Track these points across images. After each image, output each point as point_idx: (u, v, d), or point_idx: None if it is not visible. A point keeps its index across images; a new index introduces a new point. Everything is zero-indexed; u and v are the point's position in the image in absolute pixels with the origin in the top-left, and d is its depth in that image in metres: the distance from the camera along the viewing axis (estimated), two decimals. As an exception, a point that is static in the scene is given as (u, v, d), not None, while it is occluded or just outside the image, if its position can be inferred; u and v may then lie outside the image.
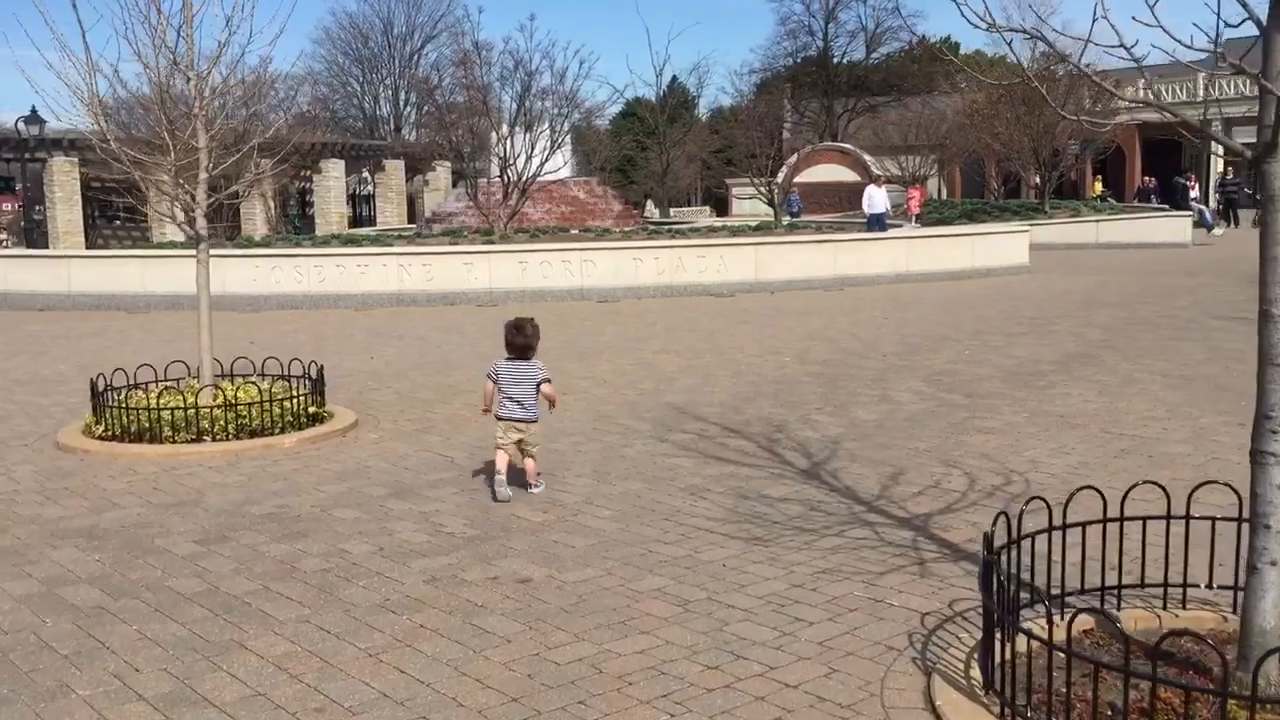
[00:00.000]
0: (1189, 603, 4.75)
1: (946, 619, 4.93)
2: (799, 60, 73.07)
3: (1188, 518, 4.73)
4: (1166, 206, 33.93)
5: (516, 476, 7.32)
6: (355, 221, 60.07)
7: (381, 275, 19.56)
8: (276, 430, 8.84)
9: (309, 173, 54.77)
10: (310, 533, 6.46)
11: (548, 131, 22.97)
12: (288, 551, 6.12)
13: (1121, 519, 4.72)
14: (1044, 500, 4.67)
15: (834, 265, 20.75)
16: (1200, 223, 30.96)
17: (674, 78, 63.41)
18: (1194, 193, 41.92)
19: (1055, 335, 13.34)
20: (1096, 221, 29.35)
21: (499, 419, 7.20)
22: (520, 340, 7.28)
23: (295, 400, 9.08)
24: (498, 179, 22.83)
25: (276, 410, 8.92)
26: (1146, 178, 51.23)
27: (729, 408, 9.80)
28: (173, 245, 22.13)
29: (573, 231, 22.34)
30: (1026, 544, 4.60)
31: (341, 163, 53.30)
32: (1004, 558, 4.36)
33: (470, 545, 6.18)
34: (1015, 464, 7.58)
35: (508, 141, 22.45)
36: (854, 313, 16.45)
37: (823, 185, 51.02)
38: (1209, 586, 4.77)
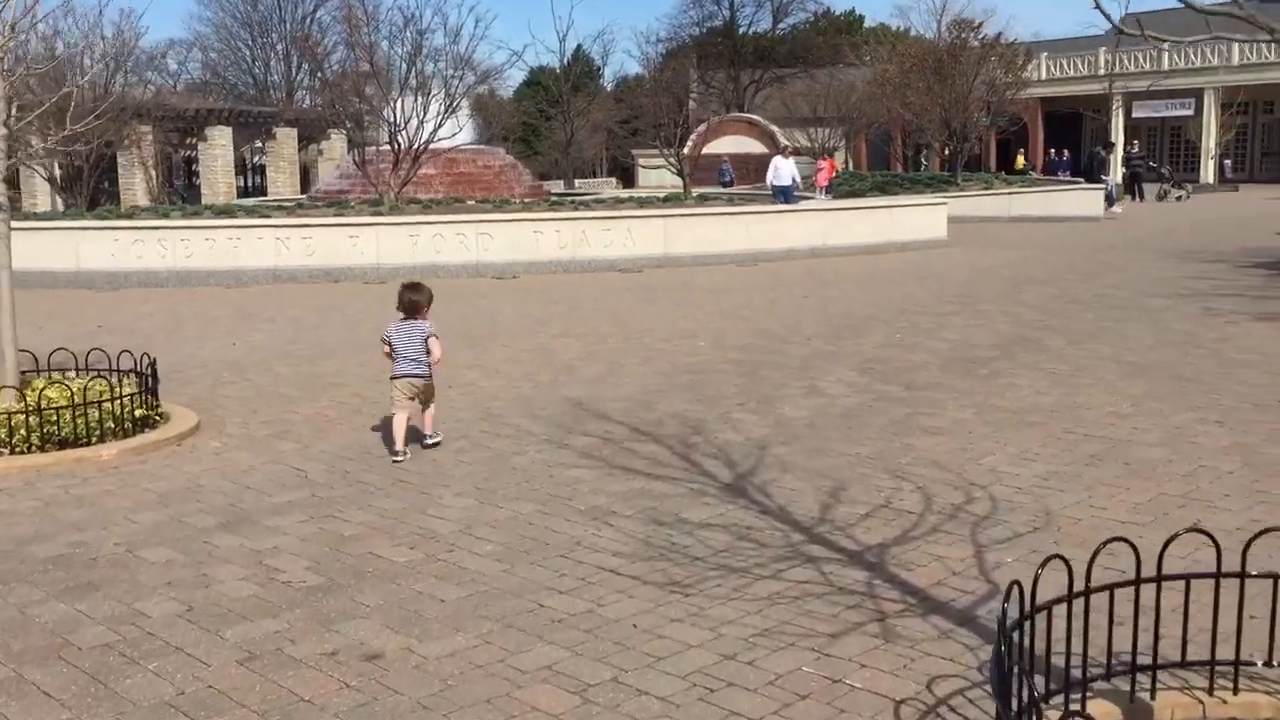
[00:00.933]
0: (1241, 683, 3.64)
1: (928, 710, 3.74)
2: (705, 30, 71.98)
3: (1243, 575, 3.61)
4: (1080, 180, 33.57)
5: (416, 435, 5.98)
6: (246, 192, 57.38)
7: (256, 249, 17.84)
8: (94, 439, 7.32)
9: (194, 141, 52.05)
10: (103, 584, 5.04)
11: (441, 95, 21.35)
12: (65, 615, 4.69)
13: (1159, 579, 3.56)
14: (1064, 560, 3.49)
15: (747, 239, 19.62)
16: (1107, 198, 30.61)
17: (578, 45, 61.74)
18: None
19: (988, 316, 12.35)
20: (1010, 194, 28.76)
21: (394, 379, 7.35)
22: (410, 297, 7.56)
23: (119, 401, 7.56)
24: (388, 147, 21.16)
25: (94, 414, 7.39)
26: (1054, 149, 51.36)
27: (638, 403, 8.54)
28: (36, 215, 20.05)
29: (469, 203, 20.84)
30: (1043, 618, 3.42)
31: (228, 130, 50.56)
32: (1015, 641, 3.19)
33: (309, 600, 4.83)
34: (974, 474, 6.46)
35: (397, 105, 20.79)
36: (771, 290, 15.32)
37: (730, 157, 50.05)
38: (1268, 664, 3.67)
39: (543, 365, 10.17)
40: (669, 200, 20.65)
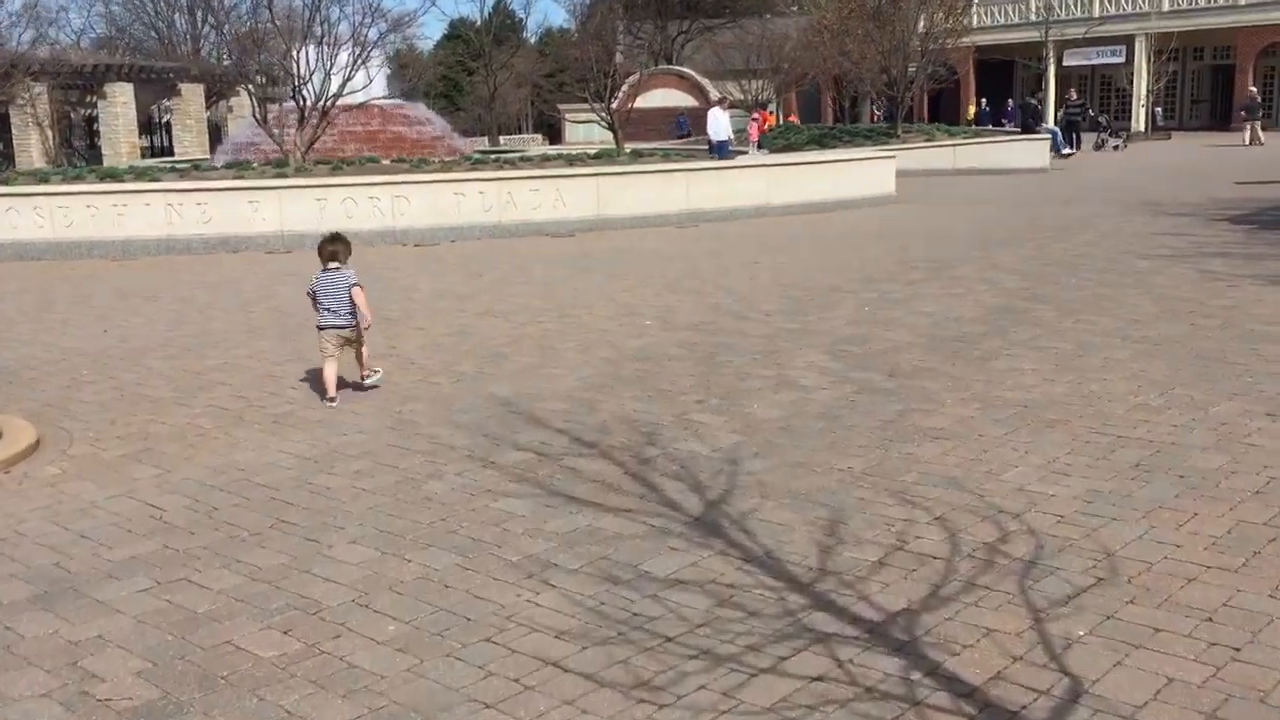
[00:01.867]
0: None
1: None
2: (631, -21, 69.91)
3: None
4: (1017, 130, 32.68)
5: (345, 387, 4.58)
6: (154, 152, 54.50)
7: (145, 217, 16.06)
8: (-110, 471, 5.79)
9: (94, 99, 49.10)
10: None
11: (350, 46, 19.56)
12: None
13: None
14: None
15: (686, 198, 18.24)
16: (1053, 146, 29.73)
17: (499, 2, 59.39)
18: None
19: (964, 283, 11.16)
20: (954, 146, 27.69)
21: (320, 329, 7.37)
22: (329, 248, 7.56)
23: (-74, 422, 6.02)
24: (294, 102, 19.36)
25: (-108, 440, 5.85)
26: (984, 99, 50.55)
27: (579, 402, 7.19)
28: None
29: (384, 162, 19.18)
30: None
31: (129, 87, 47.74)
32: None
33: (130, 736, 3.43)
34: (998, 496, 5.23)
35: (301, 56, 18.97)
36: (717, 256, 13.99)
37: (660, 111, 48.44)
38: None
39: (465, 353, 8.75)
40: (600, 157, 19.19)
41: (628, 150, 21.55)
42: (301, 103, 19.18)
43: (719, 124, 23.64)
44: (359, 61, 19.66)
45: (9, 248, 15.94)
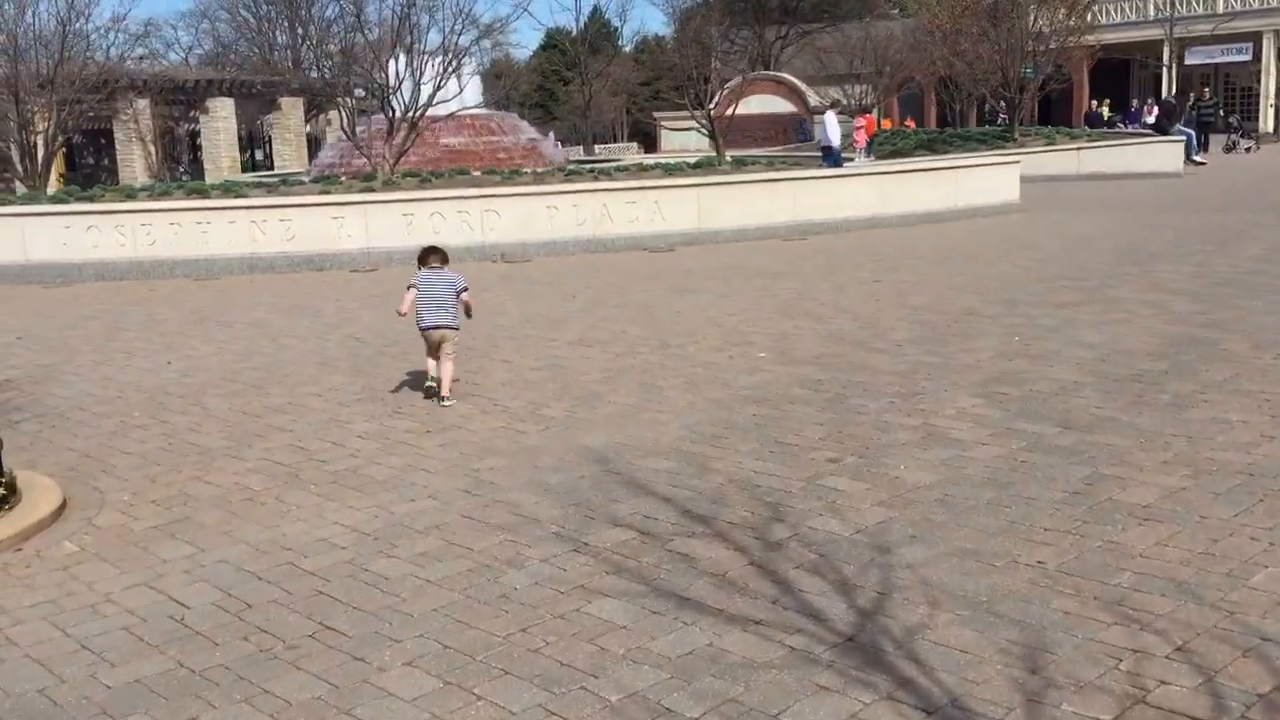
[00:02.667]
0: None
1: None
2: (728, -16, 68.70)
3: None
4: (1147, 130, 30.65)
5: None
6: (254, 166, 55.05)
7: (228, 234, 15.40)
8: (-119, 550, 4.91)
9: (196, 114, 49.64)
10: None
11: (440, 54, 18.77)
12: None
13: None
14: None
15: (793, 209, 17.00)
16: (1186, 150, 27.68)
17: (595, 7, 58.71)
18: (1150, 118, 38.85)
19: (1125, 305, 9.75)
20: (1077, 150, 25.90)
21: (422, 330, 7.36)
22: (432, 255, 7.57)
23: (-74, 489, 5.14)
24: (383, 114, 18.63)
25: (-116, 512, 4.97)
26: (1094, 101, 48.13)
27: (688, 458, 6.05)
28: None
29: (474, 174, 18.32)
30: None
31: (230, 101, 48.09)
32: None
33: None
34: (1254, 612, 3.94)
35: (391, 66, 18.22)
36: (831, 273, 12.74)
37: (759, 117, 47.13)
38: None
39: (555, 392, 7.68)
40: (701, 167, 18.08)
41: (728, 158, 20.39)
42: (390, 114, 18.44)
43: (832, 129, 22.29)
44: (449, 70, 18.86)
45: (90, 268, 15.41)
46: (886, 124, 37.99)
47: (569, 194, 16.08)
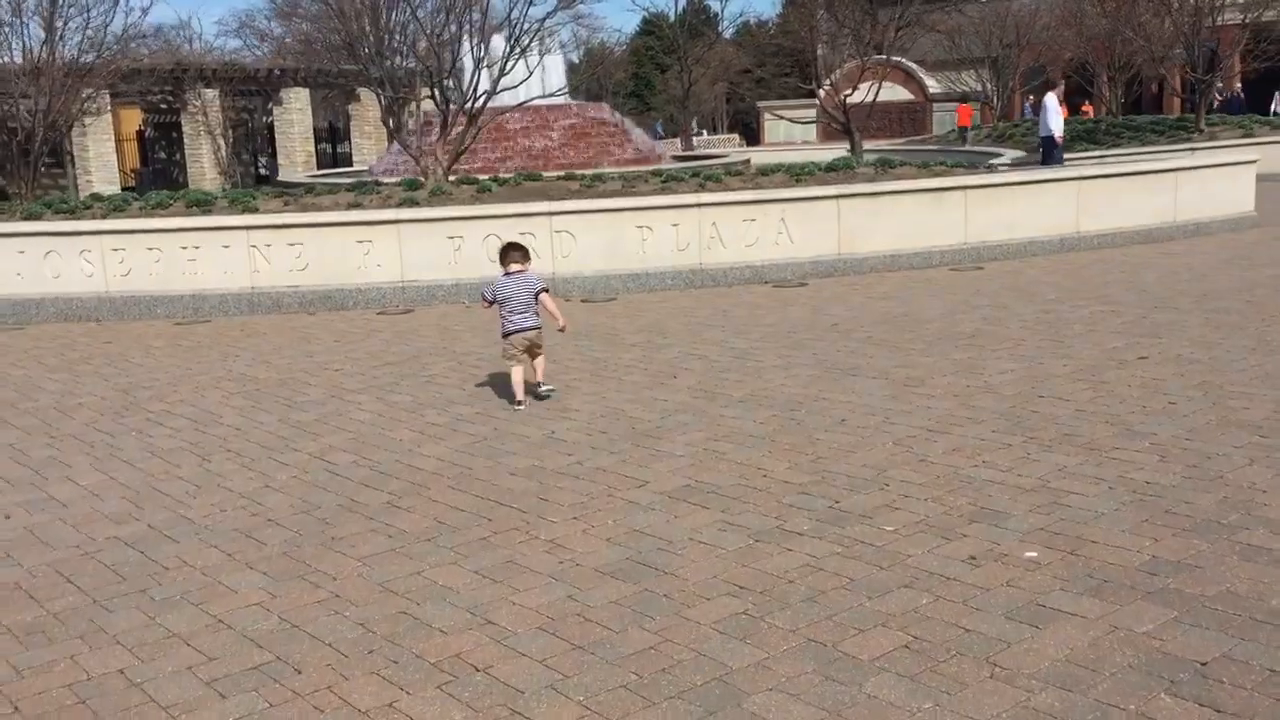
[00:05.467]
0: None
1: None
2: (837, -36, 63.91)
3: None
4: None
5: None
6: (334, 161, 52.25)
7: (222, 262, 11.83)
8: None
9: (271, 105, 46.87)
10: None
11: (509, 28, 14.95)
12: None
13: None
14: None
15: (964, 227, 12.84)
16: None
17: (694, -11, 54.46)
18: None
19: None
20: (1290, 143, 21.12)
21: (506, 335, 7.17)
22: (513, 252, 7.29)
23: None
24: (453, 106, 14.81)
25: None
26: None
27: None
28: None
29: (548, 178, 14.55)
30: None
31: (305, 92, 45.29)
32: None
33: None
34: None
35: (463, 47, 14.43)
36: (1056, 335, 8.58)
37: (875, 106, 42.72)
38: None
39: (639, 605, 3.76)
40: (837, 169, 14.02)
41: (868, 159, 16.24)
42: (443, 105, 14.71)
43: (1054, 116, 17.89)
44: (518, 48, 15.03)
45: (50, 304, 11.99)
46: (966, 114, 33.49)
47: (667, 209, 12.13)
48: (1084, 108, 44.41)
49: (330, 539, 5.06)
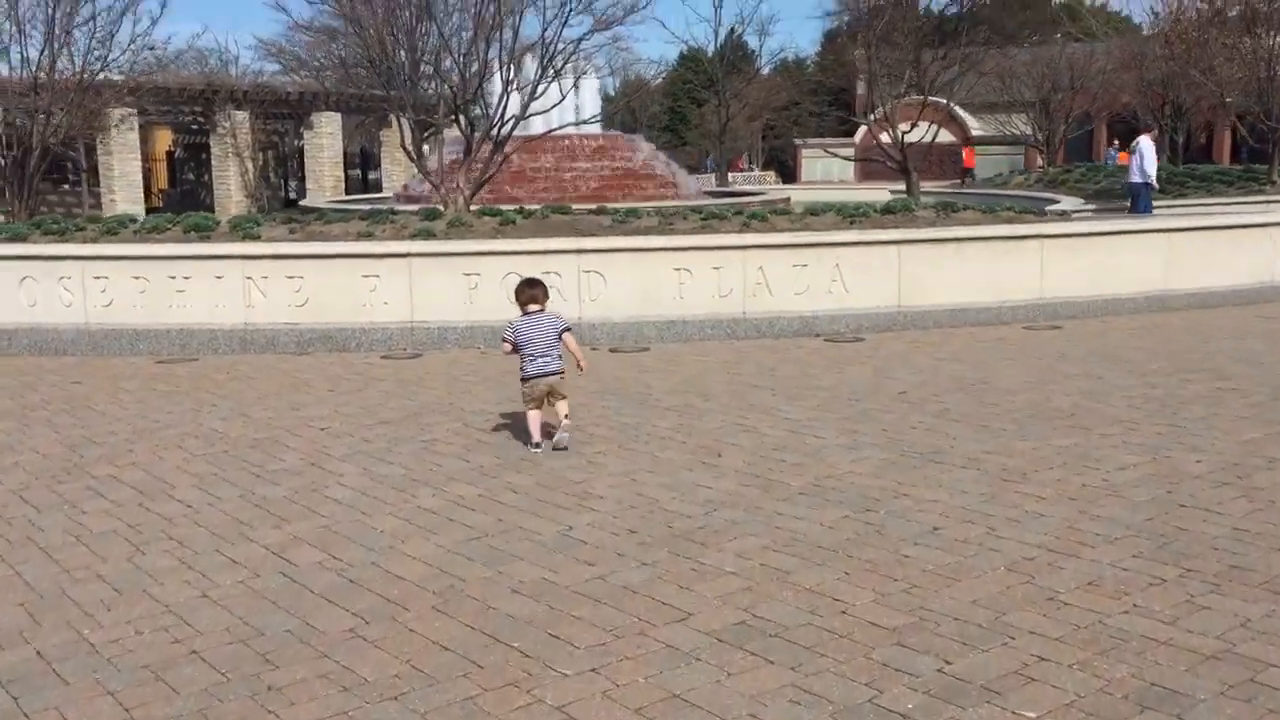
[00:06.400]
0: None
1: None
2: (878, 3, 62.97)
3: None
4: None
5: None
6: (365, 186, 51.49)
7: (213, 294, 10.66)
8: None
9: (302, 129, 46.10)
10: None
11: (540, 48, 13.82)
12: None
13: None
14: None
15: (1040, 280, 11.52)
16: None
17: (732, 29, 53.39)
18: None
19: None
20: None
21: (525, 380, 6.74)
22: (529, 291, 6.84)
23: None
24: (477, 133, 13.65)
25: None
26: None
27: None
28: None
29: (576, 212, 13.36)
30: None
31: (337, 116, 44.53)
32: None
33: None
34: None
35: (472, 67, 13.31)
36: (1171, 414, 7.24)
37: (912, 147, 41.52)
38: None
39: None
40: (895, 212, 12.74)
41: (924, 200, 14.92)
42: (467, 130, 13.57)
43: (1149, 160, 16.60)
44: (554, 70, 13.87)
45: (23, 335, 10.85)
46: (1124, 157, 32.30)
47: (708, 250, 10.88)
48: (1121, 156, 43.15)
49: (265, 689, 3.77)
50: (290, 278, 10.62)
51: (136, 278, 10.73)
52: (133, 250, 10.86)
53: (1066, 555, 4.80)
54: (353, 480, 6.24)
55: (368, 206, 18.50)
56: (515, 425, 7.36)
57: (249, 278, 10.63)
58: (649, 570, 4.77)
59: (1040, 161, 38.66)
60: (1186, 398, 7.75)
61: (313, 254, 10.71)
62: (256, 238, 11.59)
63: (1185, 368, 8.84)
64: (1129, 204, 17.29)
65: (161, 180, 51.16)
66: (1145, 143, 16.84)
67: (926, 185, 31.52)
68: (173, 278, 10.70)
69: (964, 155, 36.43)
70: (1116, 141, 36.60)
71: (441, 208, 13.24)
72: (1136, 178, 16.74)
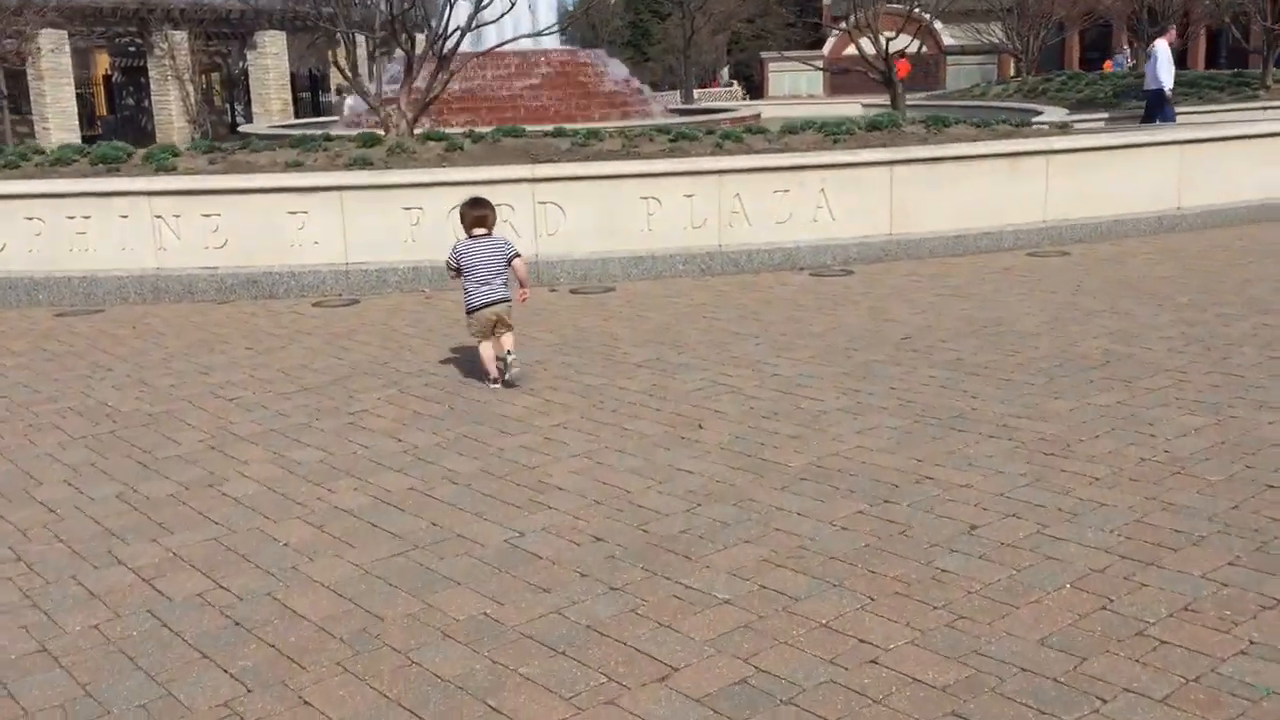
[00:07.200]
0: None
1: None
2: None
3: None
4: None
5: None
6: (316, 110, 49.46)
7: (118, 235, 9.41)
8: None
9: (245, 50, 43.95)
10: None
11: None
12: None
13: None
14: None
15: (1044, 201, 10.45)
16: None
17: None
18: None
19: None
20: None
21: (470, 311, 6.29)
22: (475, 213, 6.41)
23: None
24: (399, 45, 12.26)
25: None
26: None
27: None
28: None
29: (530, 134, 12.12)
30: None
31: (282, 35, 42.45)
32: None
33: None
34: None
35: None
36: (1221, 358, 6.25)
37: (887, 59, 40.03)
38: None
39: None
40: (881, 127, 11.59)
41: (914, 118, 13.75)
42: (407, 45, 12.22)
43: (1164, 64, 15.25)
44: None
45: (-94, 287, 9.56)
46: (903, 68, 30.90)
47: (679, 176, 9.71)
48: (1106, 64, 41.79)
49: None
50: (206, 216, 9.36)
51: (30, 219, 9.44)
52: (20, 188, 9.55)
53: (1145, 565, 3.80)
54: (258, 470, 5.15)
55: (313, 132, 17.10)
56: (458, 389, 6.28)
57: (158, 216, 9.37)
58: (619, 599, 3.73)
59: (1014, 71, 37.34)
60: (1233, 337, 6.76)
61: (229, 188, 9.43)
62: (172, 169, 10.30)
63: (1220, 300, 7.85)
64: (1143, 113, 16.13)
65: (102, 107, 48.94)
66: (1160, 46, 15.61)
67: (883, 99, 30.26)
68: (71, 218, 9.42)
69: (897, 67, 34.29)
70: (1125, 46, 35.28)
71: (382, 133, 11.97)
72: (1152, 84, 15.54)
